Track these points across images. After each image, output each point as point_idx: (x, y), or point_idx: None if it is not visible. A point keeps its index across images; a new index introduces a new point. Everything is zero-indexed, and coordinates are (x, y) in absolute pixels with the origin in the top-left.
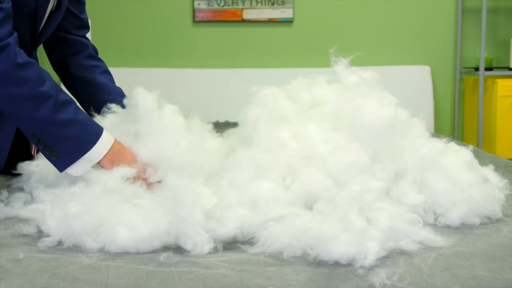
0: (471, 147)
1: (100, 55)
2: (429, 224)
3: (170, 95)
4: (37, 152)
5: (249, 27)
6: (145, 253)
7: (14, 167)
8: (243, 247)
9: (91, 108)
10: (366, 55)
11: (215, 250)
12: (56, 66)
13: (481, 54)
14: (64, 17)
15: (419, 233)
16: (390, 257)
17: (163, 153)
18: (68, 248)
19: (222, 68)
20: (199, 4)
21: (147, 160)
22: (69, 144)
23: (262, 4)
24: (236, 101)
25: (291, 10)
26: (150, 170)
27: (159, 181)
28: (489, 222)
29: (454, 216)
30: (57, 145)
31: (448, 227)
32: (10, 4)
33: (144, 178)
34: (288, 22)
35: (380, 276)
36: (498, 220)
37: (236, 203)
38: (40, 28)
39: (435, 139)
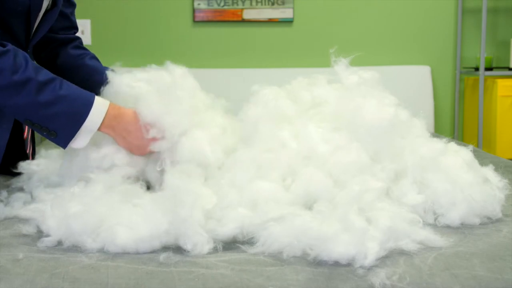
0: (471, 147)
1: (100, 55)
2: (429, 224)
3: None
4: (33, 151)
5: (249, 27)
6: (145, 253)
7: (9, 167)
8: (243, 247)
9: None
10: (366, 55)
11: (215, 250)
12: (45, 64)
13: (481, 54)
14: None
15: (419, 233)
16: (390, 257)
17: (168, 113)
18: (68, 248)
19: (222, 68)
20: (199, 4)
21: (151, 120)
22: (62, 121)
23: (262, 4)
24: (236, 101)
25: (291, 10)
26: (153, 131)
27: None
28: (489, 222)
29: (454, 216)
30: (50, 124)
31: (448, 227)
32: None
33: (148, 144)
34: (288, 22)
35: (380, 276)
36: (498, 220)
37: (236, 203)
38: (35, 27)
39: (435, 139)
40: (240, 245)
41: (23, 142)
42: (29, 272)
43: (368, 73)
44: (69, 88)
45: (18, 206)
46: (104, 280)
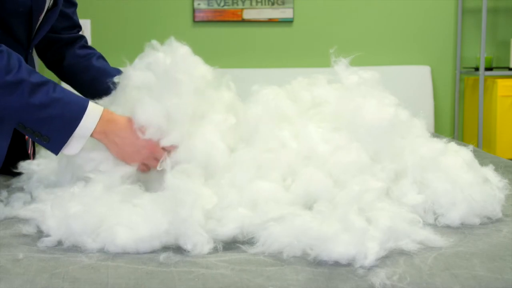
0: (471, 147)
1: None
2: (429, 224)
3: None
4: (34, 152)
5: (249, 27)
6: (145, 253)
7: (12, 167)
8: (243, 247)
9: (97, 92)
10: (366, 55)
11: (215, 250)
12: (52, 65)
13: (481, 54)
14: (56, 19)
15: (419, 233)
16: (390, 257)
17: (165, 111)
18: (68, 248)
19: (222, 68)
20: (199, 4)
21: (145, 121)
22: (55, 125)
23: (262, 4)
24: None
25: (291, 10)
26: (150, 131)
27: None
28: (489, 222)
29: (454, 216)
30: (43, 128)
31: (448, 227)
32: None
33: (154, 154)
34: (288, 22)
35: (380, 276)
36: (498, 220)
37: (236, 203)
38: (37, 27)
39: (435, 139)
40: (240, 245)
41: (24, 143)
42: (29, 272)
43: (368, 73)
44: (62, 91)
45: (18, 206)
46: (104, 280)
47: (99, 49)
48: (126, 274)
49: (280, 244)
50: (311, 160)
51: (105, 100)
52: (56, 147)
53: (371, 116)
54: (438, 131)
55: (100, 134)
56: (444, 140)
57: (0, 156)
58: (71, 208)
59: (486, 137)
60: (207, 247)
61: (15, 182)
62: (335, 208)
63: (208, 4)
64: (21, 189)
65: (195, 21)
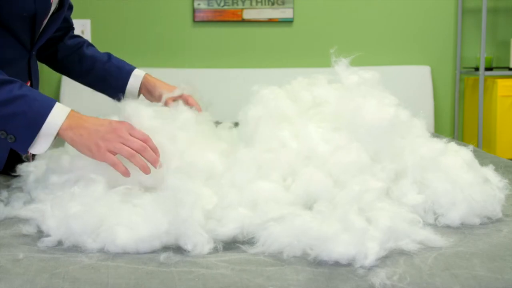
0: (471, 147)
1: None
2: (429, 224)
3: None
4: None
5: (249, 27)
6: (145, 253)
7: (12, 170)
8: (243, 247)
9: (95, 82)
10: (366, 55)
11: (215, 250)
12: (46, 60)
13: (481, 54)
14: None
15: (419, 233)
16: (390, 257)
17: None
18: (68, 248)
19: (222, 68)
20: (199, 4)
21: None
22: (19, 122)
23: (262, 4)
24: (236, 101)
25: (291, 10)
26: (127, 126)
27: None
28: (489, 222)
29: (454, 216)
30: (7, 126)
31: (448, 227)
32: None
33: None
34: (288, 22)
35: (380, 276)
36: (498, 220)
37: (236, 203)
38: (41, 30)
39: (435, 139)
40: (240, 245)
41: None
42: (29, 272)
43: (368, 73)
44: (29, 90)
45: (18, 206)
46: (104, 280)
47: (99, 49)
48: (126, 274)
49: (280, 244)
50: (311, 160)
51: None
52: (23, 146)
53: (371, 116)
54: (438, 131)
55: (67, 131)
56: (444, 140)
57: (1, 157)
58: (71, 208)
59: (486, 137)
60: (207, 247)
61: (15, 182)
62: (335, 208)
63: (208, 4)
64: (21, 189)
65: (195, 21)
